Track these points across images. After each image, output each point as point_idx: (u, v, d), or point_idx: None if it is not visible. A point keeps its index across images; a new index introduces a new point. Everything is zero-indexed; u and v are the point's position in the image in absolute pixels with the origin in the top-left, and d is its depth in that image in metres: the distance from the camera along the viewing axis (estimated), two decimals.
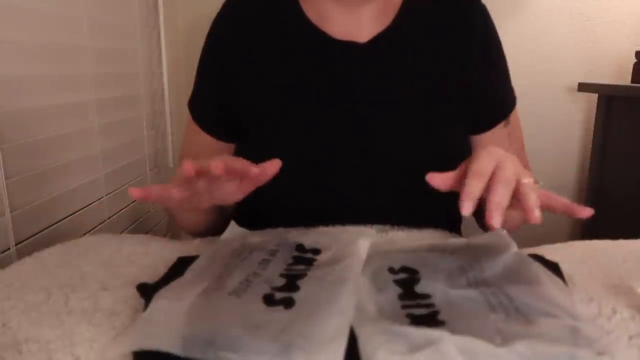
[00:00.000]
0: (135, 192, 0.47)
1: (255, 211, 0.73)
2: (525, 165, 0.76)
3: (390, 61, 0.70)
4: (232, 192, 0.53)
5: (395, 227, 0.66)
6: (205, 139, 0.74)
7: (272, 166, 0.50)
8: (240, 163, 0.49)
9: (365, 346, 0.35)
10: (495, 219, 0.44)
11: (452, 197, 0.76)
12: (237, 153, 0.74)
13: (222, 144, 0.74)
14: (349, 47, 0.69)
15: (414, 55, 0.70)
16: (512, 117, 0.75)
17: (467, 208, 0.44)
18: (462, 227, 0.80)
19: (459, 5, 0.72)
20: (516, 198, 0.46)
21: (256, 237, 0.58)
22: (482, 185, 0.45)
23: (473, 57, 0.71)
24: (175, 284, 0.44)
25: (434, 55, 0.70)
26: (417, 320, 0.38)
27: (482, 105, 0.71)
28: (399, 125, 0.68)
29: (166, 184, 0.51)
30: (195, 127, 0.75)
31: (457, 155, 0.70)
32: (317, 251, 0.53)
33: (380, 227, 0.65)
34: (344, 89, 0.68)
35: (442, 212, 0.74)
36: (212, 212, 0.73)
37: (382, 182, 0.68)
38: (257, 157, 0.71)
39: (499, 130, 0.74)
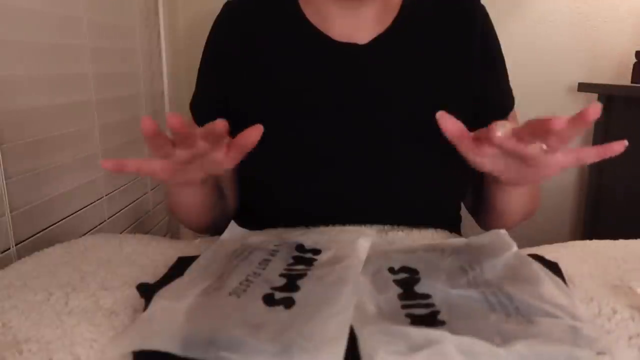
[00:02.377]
0: (107, 163, 0.46)
1: (256, 211, 0.73)
2: None
3: (390, 62, 0.70)
4: (221, 161, 0.50)
5: (395, 227, 0.66)
6: None
7: (255, 131, 0.48)
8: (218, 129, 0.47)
9: (365, 346, 0.35)
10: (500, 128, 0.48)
11: (452, 197, 0.77)
12: None
13: None
14: (350, 48, 0.69)
15: (413, 56, 0.70)
16: (510, 117, 0.75)
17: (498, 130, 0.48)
18: (462, 227, 0.80)
19: (459, 6, 0.72)
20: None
21: (256, 237, 0.58)
22: (509, 130, 0.48)
23: (472, 57, 0.71)
24: (175, 284, 0.44)
25: (434, 56, 0.70)
26: (417, 320, 0.38)
27: (480, 105, 0.71)
28: (399, 126, 0.68)
29: (147, 158, 0.50)
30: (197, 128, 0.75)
31: (457, 155, 0.70)
32: (317, 251, 0.53)
33: (380, 227, 0.65)
34: (345, 91, 0.68)
35: (442, 212, 0.74)
36: (208, 191, 0.68)
37: (383, 182, 0.68)
38: (258, 159, 0.71)
39: None
